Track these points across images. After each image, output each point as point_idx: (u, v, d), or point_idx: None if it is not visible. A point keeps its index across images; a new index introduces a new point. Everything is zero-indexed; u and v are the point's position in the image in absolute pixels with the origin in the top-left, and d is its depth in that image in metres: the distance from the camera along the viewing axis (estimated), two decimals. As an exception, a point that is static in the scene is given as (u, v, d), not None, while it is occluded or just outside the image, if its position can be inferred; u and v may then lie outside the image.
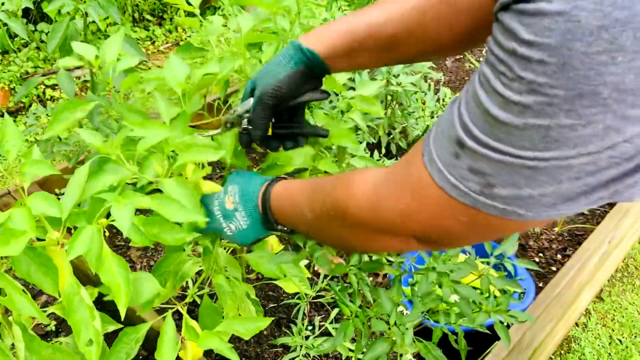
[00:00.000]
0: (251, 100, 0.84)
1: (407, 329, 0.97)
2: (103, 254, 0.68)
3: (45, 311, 0.93)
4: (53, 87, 3.05)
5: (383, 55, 0.82)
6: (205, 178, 0.92)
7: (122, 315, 0.67)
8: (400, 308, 1.03)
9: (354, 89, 1.05)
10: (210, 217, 0.83)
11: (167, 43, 3.66)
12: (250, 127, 0.85)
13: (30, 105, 2.98)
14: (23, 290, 0.74)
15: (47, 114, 2.73)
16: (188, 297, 0.93)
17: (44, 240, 0.76)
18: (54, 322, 1.64)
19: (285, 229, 0.81)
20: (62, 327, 1.64)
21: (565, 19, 0.39)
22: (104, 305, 0.95)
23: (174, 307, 0.94)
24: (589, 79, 0.39)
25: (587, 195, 0.46)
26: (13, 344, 0.82)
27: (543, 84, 0.41)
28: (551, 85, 0.41)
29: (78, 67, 2.93)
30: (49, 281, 0.77)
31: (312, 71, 0.81)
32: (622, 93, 0.39)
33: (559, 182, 0.45)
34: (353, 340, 1.46)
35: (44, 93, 3.01)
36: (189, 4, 1.00)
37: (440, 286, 1.00)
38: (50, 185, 2.04)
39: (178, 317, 1.54)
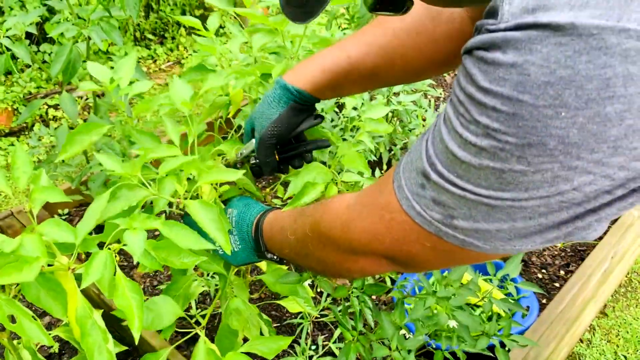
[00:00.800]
0: (254, 141, 0.90)
1: (408, 353, 0.98)
2: (117, 279, 0.69)
3: (50, 334, 0.94)
4: (55, 107, 3.07)
5: (366, 84, 0.87)
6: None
7: (137, 339, 0.67)
8: (403, 331, 1.03)
9: (356, 108, 1.07)
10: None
11: (168, 61, 3.69)
12: (258, 163, 0.91)
13: (33, 125, 2.99)
14: (33, 317, 0.74)
15: (49, 134, 2.74)
16: (204, 320, 0.93)
17: (52, 265, 0.76)
18: (57, 344, 1.63)
19: (275, 257, 0.85)
20: (65, 350, 1.64)
21: (517, 71, 0.41)
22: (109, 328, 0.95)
23: (190, 331, 0.94)
24: (537, 130, 0.41)
25: (541, 234, 0.48)
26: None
27: (497, 129, 0.44)
28: (504, 132, 0.43)
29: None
30: (58, 305, 0.78)
31: (302, 105, 0.85)
32: (567, 146, 0.41)
33: (514, 220, 0.47)
34: None
35: (46, 113, 3.03)
36: (206, 29, 1.03)
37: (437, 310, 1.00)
38: (53, 206, 2.04)
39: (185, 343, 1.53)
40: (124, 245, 0.73)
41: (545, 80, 0.40)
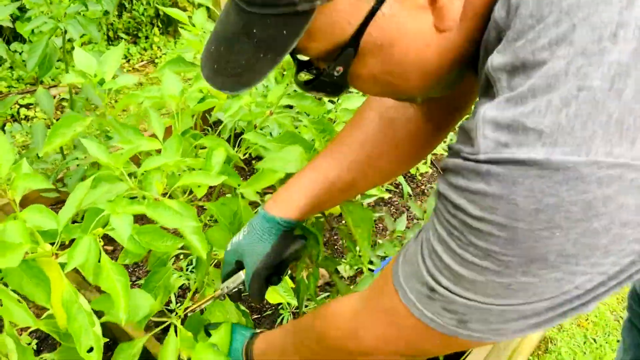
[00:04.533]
0: (241, 274, 0.90)
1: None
2: (102, 262, 0.71)
3: (29, 328, 0.94)
4: (27, 106, 3.03)
5: (344, 196, 0.91)
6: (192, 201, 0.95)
7: (124, 320, 0.69)
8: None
9: (332, 101, 1.10)
10: None
11: (142, 61, 3.66)
12: (245, 292, 0.92)
13: (4, 125, 2.95)
14: (18, 300, 0.75)
15: (24, 132, 2.71)
16: (181, 310, 0.95)
17: (35, 252, 0.77)
18: (35, 341, 1.62)
19: None
20: (44, 346, 1.63)
21: (505, 201, 0.45)
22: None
23: (166, 322, 0.96)
24: (537, 249, 0.46)
25: (550, 322, 0.52)
26: None
27: (497, 252, 0.47)
28: (504, 254, 0.47)
29: (53, 86, 2.90)
30: (41, 293, 0.78)
31: (289, 231, 0.88)
32: (566, 257, 0.46)
33: (525, 318, 0.52)
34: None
35: (18, 113, 2.98)
36: (193, 25, 1.04)
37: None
38: (28, 204, 2.02)
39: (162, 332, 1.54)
40: (109, 229, 0.74)
41: (534, 207, 0.44)
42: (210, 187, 1.06)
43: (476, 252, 0.49)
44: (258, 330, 0.89)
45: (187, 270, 1.75)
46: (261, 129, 1.08)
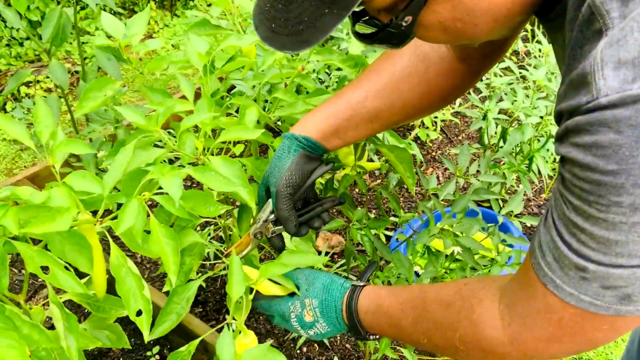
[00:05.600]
0: (270, 202, 0.87)
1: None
2: (151, 225, 0.70)
3: (60, 298, 0.94)
4: (27, 84, 2.99)
5: (370, 126, 0.88)
6: (233, 156, 0.94)
7: (174, 282, 0.69)
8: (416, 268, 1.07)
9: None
10: (285, 322, 0.84)
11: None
12: (279, 226, 0.88)
13: (5, 104, 2.91)
14: (65, 267, 0.75)
15: (24, 111, 2.68)
16: (228, 252, 0.96)
17: (77, 220, 0.77)
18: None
19: (378, 337, 0.82)
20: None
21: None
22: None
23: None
24: None
25: None
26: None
27: None
28: None
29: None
30: (83, 259, 0.79)
31: (311, 153, 0.85)
32: None
33: None
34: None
35: (18, 91, 2.95)
36: None
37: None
38: (40, 180, 2.01)
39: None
40: (155, 194, 0.74)
41: None
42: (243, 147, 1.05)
43: (621, 209, 0.45)
44: (360, 283, 0.81)
45: (209, 240, 1.76)
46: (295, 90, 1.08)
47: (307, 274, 0.84)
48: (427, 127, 2.27)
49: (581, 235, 0.50)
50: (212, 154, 0.83)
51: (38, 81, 3.00)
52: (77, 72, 3.02)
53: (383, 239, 1.77)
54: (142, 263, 1.78)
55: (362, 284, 0.80)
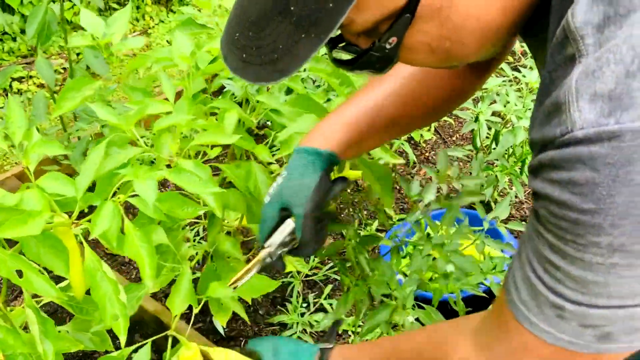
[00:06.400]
0: (289, 222, 0.77)
1: (408, 293, 1.00)
2: (126, 228, 0.69)
3: (41, 299, 0.93)
4: (20, 79, 2.96)
5: (388, 132, 0.83)
6: (207, 162, 0.92)
7: (150, 289, 0.68)
8: (399, 276, 1.06)
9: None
10: None
11: (134, 32, 3.59)
12: (298, 248, 0.80)
13: (-4, 100, 2.89)
14: (39, 271, 0.74)
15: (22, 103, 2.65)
16: (194, 260, 0.94)
17: (52, 222, 0.75)
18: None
19: None
20: (53, 319, 1.62)
21: (621, 184, 0.39)
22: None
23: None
24: None
25: None
26: None
27: (624, 243, 0.42)
28: (633, 242, 0.41)
29: (48, 57, 2.82)
30: (59, 262, 0.77)
31: (331, 168, 0.79)
32: None
33: None
34: (349, 315, 1.50)
35: (10, 87, 2.92)
36: None
37: (434, 259, 1.03)
38: (27, 178, 1.99)
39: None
40: (130, 196, 0.72)
41: None
42: (223, 150, 1.03)
43: (599, 250, 0.43)
44: (328, 345, 0.76)
45: (194, 241, 1.74)
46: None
47: (273, 343, 0.78)
48: (421, 128, 2.25)
49: (557, 274, 0.47)
50: (189, 156, 0.82)
51: (31, 77, 2.97)
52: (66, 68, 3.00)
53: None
54: (131, 262, 1.76)
55: (330, 346, 0.76)
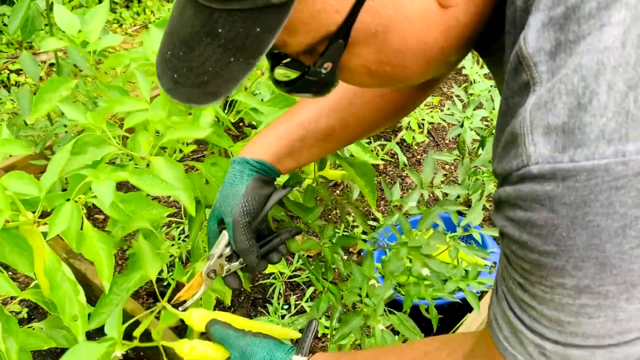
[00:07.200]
0: (224, 234, 0.78)
1: (379, 301, 1.00)
2: (85, 229, 0.69)
3: (17, 297, 0.93)
4: (18, 72, 2.97)
5: (324, 146, 0.83)
6: (182, 160, 0.92)
7: (107, 289, 0.67)
8: (373, 281, 1.05)
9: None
10: None
11: (135, 26, 3.59)
12: (234, 262, 0.80)
13: (-7, 92, 2.89)
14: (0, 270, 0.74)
15: (11, 99, 2.66)
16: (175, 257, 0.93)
17: (16, 221, 0.75)
18: (25, 310, 1.62)
19: None
20: (35, 314, 1.62)
21: (581, 227, 0.38)
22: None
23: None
24: (634, 271, 0.39)
25: None
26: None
27: (589, 285, 0.41)
28: (599, 284, 0.40)
29: (44, 52, 2.84)
30: (23, 261, 0.77)
31: (266, 176, 0.80)
32: None
33: None
34: (327, 317, 1.49)
35: (8, 79, 2.93)
36: None
37: (410, 260, 1.03)
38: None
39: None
40: (91, 197, 0.72)
41: (619, 225, 0.37)
42: (200, 147, 1.02)
43: (566, 291, 0.42)
44: (303, 358, 0.74)
45: (179, 239, 1.74)
46: (253, 94, 1.05)
47: (245, 346, 0.75)
48: (414, 130, 2.24)
49: (532, 312, 0.46)
50: (163, 153, 0.81)
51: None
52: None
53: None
54: (115, 259, 1.76)
55: (304, 358, 0.73)
